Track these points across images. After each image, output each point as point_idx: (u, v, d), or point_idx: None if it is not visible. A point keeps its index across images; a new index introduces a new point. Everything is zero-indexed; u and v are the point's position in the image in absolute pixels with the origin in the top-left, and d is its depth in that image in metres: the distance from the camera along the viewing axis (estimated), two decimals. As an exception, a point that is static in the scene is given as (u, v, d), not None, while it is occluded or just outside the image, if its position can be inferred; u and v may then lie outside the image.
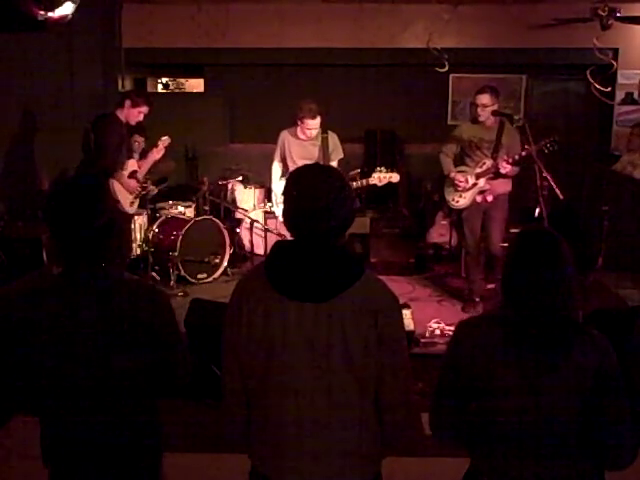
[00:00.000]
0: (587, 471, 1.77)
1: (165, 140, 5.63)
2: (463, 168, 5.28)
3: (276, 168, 5.48)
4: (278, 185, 5.44)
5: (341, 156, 5.36)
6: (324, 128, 5.25)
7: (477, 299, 5.38)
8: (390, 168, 5.26)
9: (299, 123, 5.16)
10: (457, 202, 5.32)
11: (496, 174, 5.10)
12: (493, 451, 1.79)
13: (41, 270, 1.96)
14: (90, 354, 1.82)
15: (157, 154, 5.59)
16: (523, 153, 4.89)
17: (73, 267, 1.85)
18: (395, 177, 5.19)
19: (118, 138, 5.21)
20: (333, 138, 5.31)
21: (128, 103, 5.24)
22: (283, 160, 5.39)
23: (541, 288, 1.73)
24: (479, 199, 5.21)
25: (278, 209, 5.52)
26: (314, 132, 5.17)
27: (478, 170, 5.18)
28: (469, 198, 5.25)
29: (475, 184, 5.20)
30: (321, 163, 5.06)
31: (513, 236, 1.91)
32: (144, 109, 5.31)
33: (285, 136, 5.35)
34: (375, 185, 5.19)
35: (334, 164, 5.26)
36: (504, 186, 5.22)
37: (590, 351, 1.73)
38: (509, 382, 1.73)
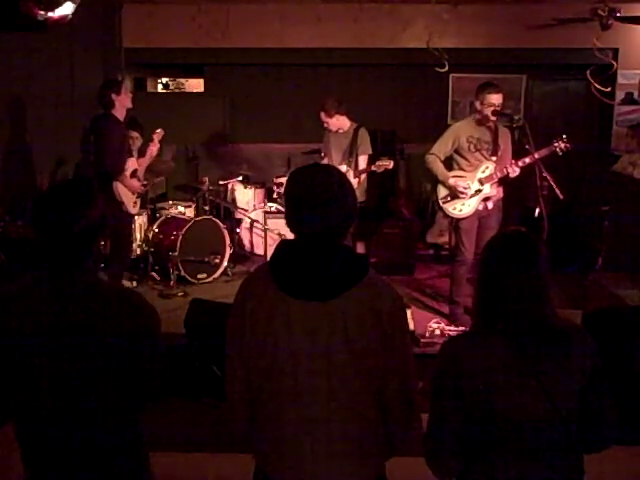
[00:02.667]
0: (574, 466, 1.79)
1: (159, 133, 5.57)
2: (460, 173, 4.88)
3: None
4: None
5: (369, 152, 5.72)
6: (358, 124, 5.77)
7: (461, 310, 5.07)
8: (387, 156, 5.67)
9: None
10: (460, 211, 4.87)
11: (501, 178, 4.80)
12: (493, 463, 1.74)
13: (32, 273, 1.95)
14: (63, 358, 1.80)
15: (154, 147, 5.56)
16: (536, 155, 4.62)
17: (53, 269, 1.86)
18: (390, 164, 5.54)
19: (119, 139, 5.17)
20: (362, 133, 5.70)
21: (114, 95, 5.11)
22: (326, 154, 5.89)
23: (525, 292, 1.71)
24: (481, 207, 4.87)
25: None
26: (332, 127, 5.71)
27: (481, 175, 4.83)
28: (474, 206, 4.85)
29: (479, 190, 4.83)
30: (347, 154, 5.68)
31: (487, 244, 1.86)
32: (127, 86, 5.33)
33: (326, 131, 5.87)
34: (375, 172, 5.60)
35: (362, 159, 5.66)
36: (500, 191, 4.94)
37: (586, 351, 1.74)
38: (519, 393, 1.69)
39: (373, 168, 5.56)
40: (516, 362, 1.70)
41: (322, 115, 5.69)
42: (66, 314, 1.81)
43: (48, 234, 1.85)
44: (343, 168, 5.50)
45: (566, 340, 1.73)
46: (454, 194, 4.86)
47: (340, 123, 5.73)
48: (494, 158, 4.84)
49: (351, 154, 5.67)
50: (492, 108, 4.70)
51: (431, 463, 1.79)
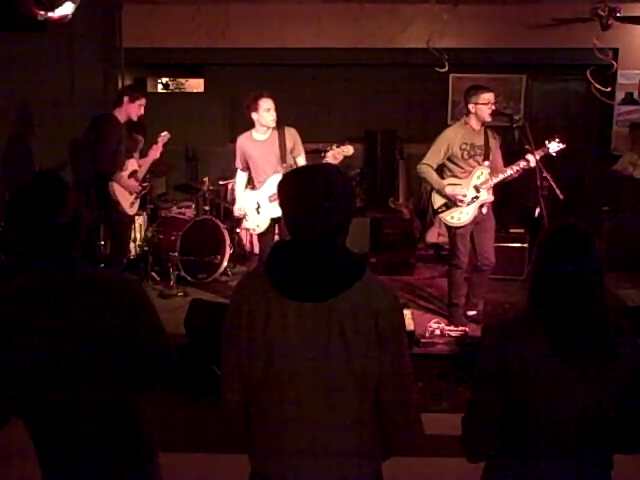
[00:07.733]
0: (603, 464, 1.79)
1: (164, 136, 5.61)
2: (454, 180, 4.79)
3: (240, 177, 5.21)
4: (243, 196, 5.18)
5: (303, 153, 4.98)
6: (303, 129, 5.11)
7: (470, 313, 5.06)
8: (343, 142, 4.69)
9: (254, 111, 4.97)
10: (459, 220, 4.78)
11: (498, 183, 4.78)
12: (524, 453, 1.76)
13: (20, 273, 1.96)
14: (60, 350, 1.82)
15: (156, 151, 5.59)
16: (531, 161, 4.63)
17: (41, 268, 1.86)
18: (348, 149, 4.62)
19: (117, 140, 5.19)
20: (290, 133, 4.97)
21: (126, 99, 5.22)
22: (246, 167, 5.14)
23: (575, 286, 1.72)
24: (477, 212, 4.80)
25: (249, 222, 5.15)
26: (271, 116, 4.90)
27: (477, 181, 4.76)
28: (472, 213, 4.77)
29: (476, 197, 4.76)
30: (280, 159, 4.88)
31: (543, 232, 1.87)
32: (143, 101, 5.29)
33: (241, 142, 5.12)
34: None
35: (302, 159, 4.98)
36: (491, 195, 4.89)
37: (635, 351, 1.74)
38: (559, 385, 1.70)
39: (330, 160, 4.53)
40: (560, 355, 1.70)
41: (272, 112, 4.90)
42: (63, 310, 1.82)
43: (23, 235, 1.85)
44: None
45: (614, 338, 1.72)
46: (451, 203, 4.77)
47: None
48: (487, 163, 4.80)
49: (283, 158, 4.88)
50: (489, 106, 4.66)
51: (465, 444, 1.82)
